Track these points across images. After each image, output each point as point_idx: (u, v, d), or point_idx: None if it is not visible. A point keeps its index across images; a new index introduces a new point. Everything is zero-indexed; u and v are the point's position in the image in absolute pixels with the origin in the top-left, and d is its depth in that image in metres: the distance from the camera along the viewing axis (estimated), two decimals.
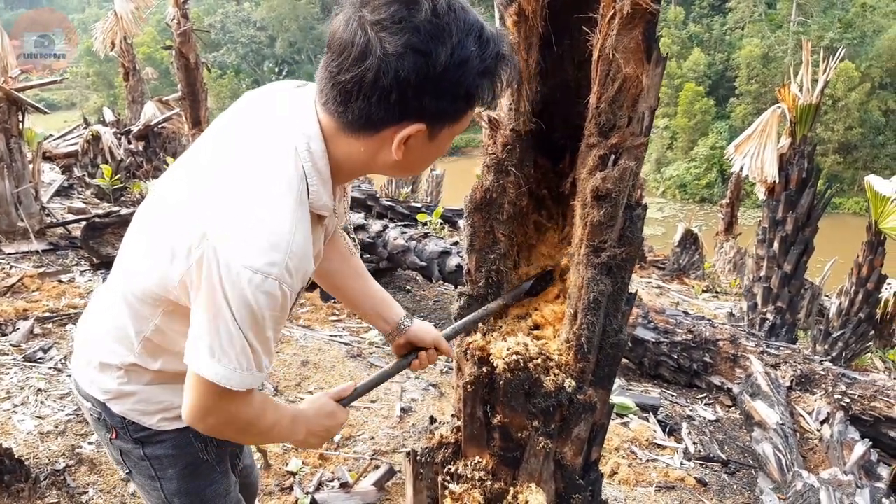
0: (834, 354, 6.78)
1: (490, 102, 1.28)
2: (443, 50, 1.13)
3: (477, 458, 1.79)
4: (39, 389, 3.50)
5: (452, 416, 1.91)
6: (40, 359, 3.82)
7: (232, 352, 1.23)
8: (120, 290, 1.43)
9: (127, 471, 1.60)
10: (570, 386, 1.66)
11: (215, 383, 1.25)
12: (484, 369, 1.72)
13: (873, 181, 6.59)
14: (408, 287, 6.83)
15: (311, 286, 5.70)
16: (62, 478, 2.88)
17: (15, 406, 3.34)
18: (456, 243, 5.97)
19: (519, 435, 1.72)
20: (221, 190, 1.25)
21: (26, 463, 2.84)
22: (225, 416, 1.32)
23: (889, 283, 7.42)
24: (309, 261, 1.28)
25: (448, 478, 1.82)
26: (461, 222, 8.03)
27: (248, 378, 1.27)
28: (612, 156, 1.59)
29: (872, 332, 7.27)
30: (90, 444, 3.13)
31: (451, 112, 1.24)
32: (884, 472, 3.39)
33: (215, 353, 1.23)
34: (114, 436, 1.53)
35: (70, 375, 3.65)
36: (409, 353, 1.77)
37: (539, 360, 1.70)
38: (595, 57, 1.57)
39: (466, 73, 1.17)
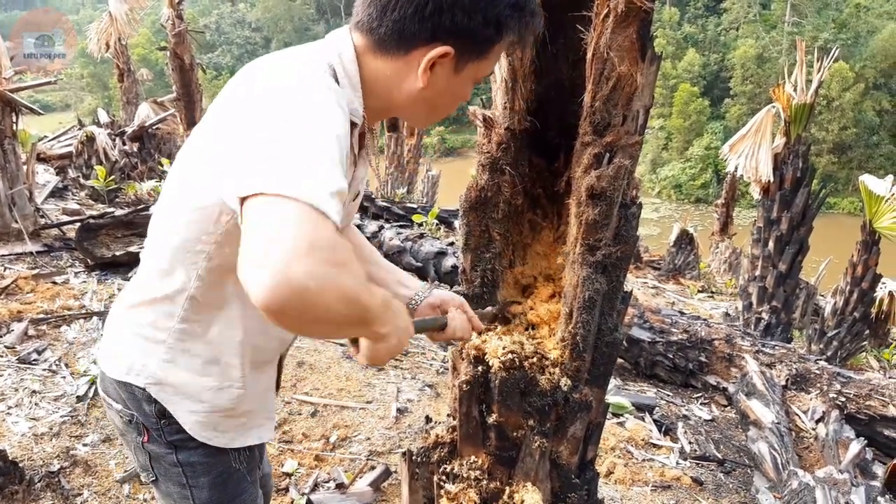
0: (829, 354, 6.80)
1: (518, 43, 1.31)
2: None
3: (473, 458, 1.79)
4: (34, 391, 3.48)
5: (448, 415, 1.91)
6: (34, 360, 3.80)
7: (301, 162, 0.99)
8: (148, 267, 1.37)
9: (153, 477, 1.50)
10: (565, 385, 1.66)
11: (293, 199, 0.94)
12: (479, 368, 1.72)
13: (868, 181, 6.62)
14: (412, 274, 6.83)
15: None
16: (56, 480, 2.87)
17: (9, 408, 3.33)
18: (452, 244, 5.98)
19: (514, 434, 1.72)
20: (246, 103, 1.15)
21: (20, 465, 2.83)
22: (322, 246, 0.93)
23: (884, 283, 7.45)
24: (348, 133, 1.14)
25: (444, 477, 1.82)
26: (457, 223, 8.03)
27: (312, 188, 0.96)
28: (607, 154, 1.59)
29: (867, 332, 7.29)
30: (85, 445, 3.12)
31: (480, 38, 1.25)
32: (879, 470, 3.40)
33: (278, 170, 0.97)
34: (145, 439, 1.44)
35: (64, 377, 3.66)
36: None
37: (534, 359, 1.70)
38: (589, 55, 1.57)
39: None
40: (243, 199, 0.99)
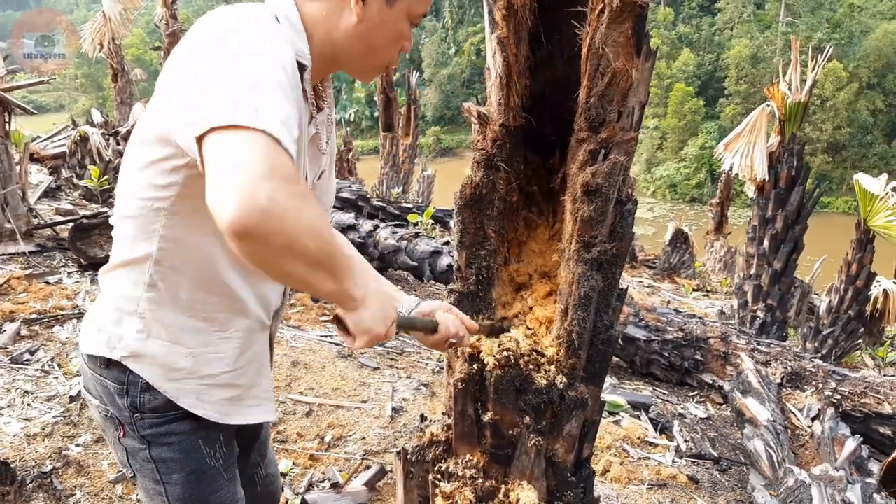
0: (824, 352, 6.82)
1: None
2: None
3: (468, 456, 1.78)
4: (26, 392, 3.46)
5: (443, 414, 1.90)
6: (27, 361, 3.78)
7: (251, 92, 1.02)
8: (115, 249, 1.38)
9: (132, 473, 1.51)
10: (561, 382, 1.65)
11: (254, 129, 0.98)
12: (475, 366, 1.71)
13: (862, 179, 6.63)
14: (399, 286, 6.81)
15: None
16: (49, 480, 2.85)
17: (1, 409, 3.30)
18: (447, 243, 5.97)
19: (510, 432, 1.71)
20: (183, 70, 1.18)
21: (12, 466, 2.81)
22: (282, 173, 0.97)
23: (878, 281, 7.46)
24: (294, 74, 1.18)
25: (439, 476, 1.81)
26: (452, 222, 8.02)
27: (264, 119, 0.99)
28: (602, 150, 1.58)
29: (862, 330, 7.31)
30: (77, 446, 3.10)
31: None
32: (874, 467, 3.40)
33: (228, 102, 1.00)
34: (121, 434, 1.45)
35: (56, 378, 3.64)
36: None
37: (530, 357, 1.69)
38: (584, 51, 1.56)
39: None
40: (199, 140, 1.01)
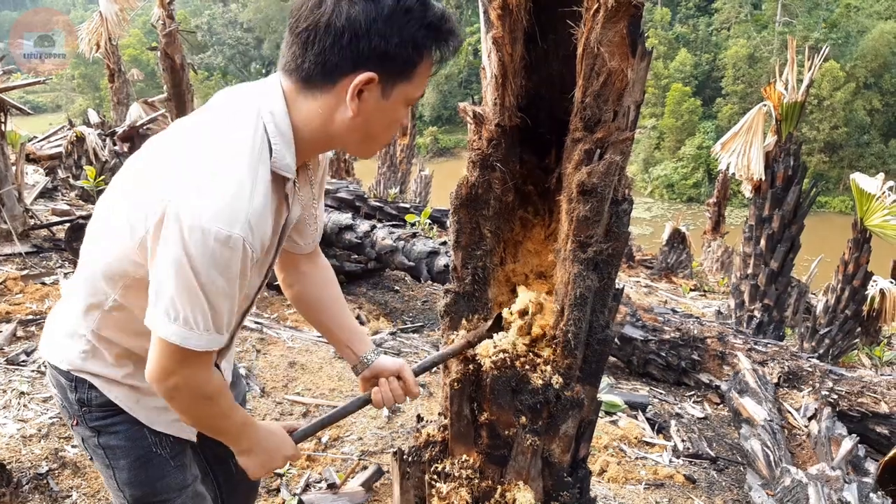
0: (821, 351, 6.82)
1: (438, 63, 1.39)
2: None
3: (464, 457, 1.78)
4: (22, 392, 3.45)
5: (439, 414, 1.90)
6: (23, 362, 3.77)
7: (190, 311, 1.26)
8: (81, 273, 1.50)
9: (90, 456, 1.66)
10: (557, 382, 1.65)
11: (175, 344, 1.29)
12: (471, 367, 1.71)
13: (859, 179, 6.64)
14: (396, 287, 6.81)
15: None
16: (45, 482, 2.84)
17: None
18: (444, 243, 5.96)
19: (506, 432, 1.71)
20: (180, 158, 1.31)
21: (8, 467, 2.80)
22: (185, 379, 1.36)
23: (875, 281, 7.47)
24: (266, 222, 1.32)
25: (435, 477, 1.81)
26: (448, 223, 8.00)
27: (205, 339, 1.30)
28: (598, 150, 1.58)
29: (859, 329, 7.32)
30: (74, 447, 3.09)
31: (400, 60, 1.32)
32: (871, 466, 3.40)
33: (171, 314, 1.27)
34: (74, 423, 1.59)
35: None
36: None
37: (526, 358, 1.68)
38: (580, 51, 1.56)
39: (412, 20, 1.29)
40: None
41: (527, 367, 1.67)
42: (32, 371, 3.68)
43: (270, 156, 1.33)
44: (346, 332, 1.81)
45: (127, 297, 1.44)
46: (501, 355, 1.65)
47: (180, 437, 1.65)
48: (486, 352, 1.68)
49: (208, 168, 1.26)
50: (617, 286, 1.75)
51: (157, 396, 1.53)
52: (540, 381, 1.65)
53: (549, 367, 1.66)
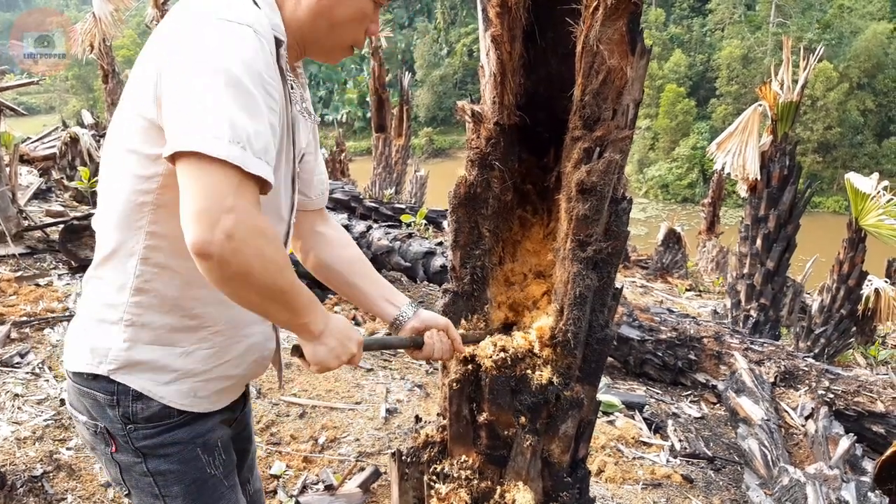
0: (816, 351, 6.83)
1: None
2: None
3: (463, 457, 1.76)
4: (16, 395, 3.43)
5: (438, 415, 1.89)
6: (17, 363, 3.74)
7: (223, 118, 1.07)
8: (102, 251, 1.34)
9: (126, 492, 1.44)
10: (556, 382, 1.64)
11: (215, 158, 1.05)
12: (470, 367, 1.70)
13: (854, 179, 6.65)
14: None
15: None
16: (40, 484, 2.82)
17: None
18: (440, 244, 5.95)
19: (505, 433, 1.70)
20: (164, 32, 1.21)
21: (2, 470, 2.78)
22: (243, 214, 1.07)
23: (870, 280, 7.49)
24: (270, 63, 1.19)
25: (434, 477, 1.80)
26: (445, 223, 8.00)
27: (236, 150, 1.06)
28: (597, 149, 1.57)
29: (854, 329, 7.33)
30: (68, 449, 3.06)
31: None
32: (868, 465, 3.40)
33: (202, 127, 1.06)
34: (114, 448, 1.38)
35: (47, 381, 3.60)
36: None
37: (526, 358, 1.67)
38: (579, 49, 1.55)
39: None
40: (172, 158, 1.09)
41: (526, 366, 1.66)
42: (27, 373, 3.65)
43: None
44: (378, 287, 1.67)
45: (156, 234, 1.27)
46: (501, 355, 1.64)
47: (230, 451, 1.50)
48: (485, 352, 1.67)
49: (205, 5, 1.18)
50: (616, 286, 1.74)
51: (217, 372, 1.39)
52: (539, 381, 1.64)
53: (548, 367, 1.65)
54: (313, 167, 1.60)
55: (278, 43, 1.27)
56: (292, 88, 1.38)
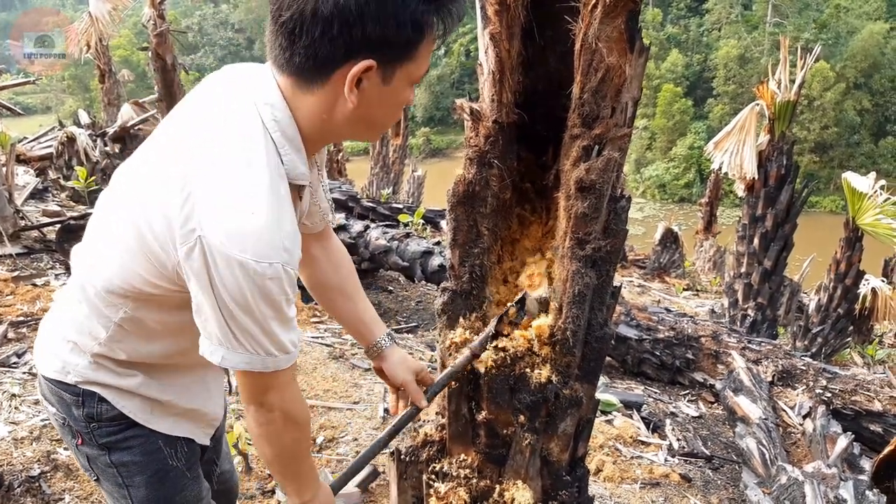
0: (813, 350, 6.85)
1: (441, 36, 1.26)
2: None
3: (462, 456, 1.76)
4: (13, 395, 3.42)
5: (437, 413, 1.88)
6: (14, 363, 3.73)
7: (249, 342, 1.23)
8: (80, 281, 1.39)
9: (95, 477, 1.53)
10: (555, 381, 1.64)
11: (247, 371, 1.27)
12: (468, 365, 1.69)
13: (851, 178, 6.66)
14: (390, 287, 6.79)
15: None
16: (37, 484, 2.81)
17: None
18: (438, 243, 5.95)
19: (504, 431, 1.69)
20: (194, 174, 1.19)
21: (0, 470, 2.77)
22: (277, 401, 1.34)
23: (867, 279, 7.51)
24: (298, 237, 1.25)
25: (433, 477, 1.79)
26: (443, 223, 8.00)
27: (271, 361, 1.26)
28: (596, 147, 1.57)
29: (851, 328, 7.35)
30: (65, 449, 3.05)
31: (399, 43, 1.20)
32: (866, 464, 3.41)
33: (230, 344, 1.23)
34: (79, 441, 1.46)
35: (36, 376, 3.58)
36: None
37: (525, 357, 1.67)
38: (578, 46, 1.55)
39: None
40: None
41: (525, 365, 1.65)
42: (23, 373, 3.65)
43: (283, 166, 1.26)
44: (362, 313, 1.77)
45: (139, 311, 1.36)
46: (501, 355, 1.64)
47: (193, 445, 1.58)
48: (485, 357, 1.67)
49: (231, 197, 1.17)
50: (614, 284, 1.74)
51: (174, 405, 1.49)
52: (538, 380, 1.63)
53: (547, 366, 1.65)
54: (315, 205, 1.61)
55: (300, 187, 1.35)
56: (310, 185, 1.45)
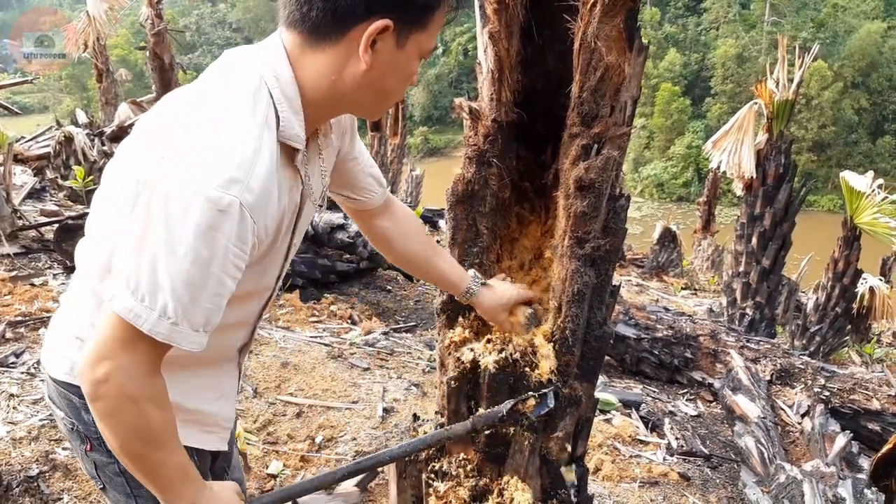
0: (812, 349, 6.86)
1: (454, 10, 1.27)
2: None
3: (462, 455, 1.76)
4: (12, 394, 3.41)
5: (436, 413, 1.88)
6: (12, 363, 3.72)
7: (157, 291, 1.09)
8: (83, 277, 1.36)
9: (101, 486, 1.46)
10: (555, 380, 1.64)
11: (123, 320, 1.10)
12: (468, 364, 1.70)
13: (849, 177, 6.67)
14: (388, 287, 6.79)
15: (287, 287, 5.54)
16: (36, 484, 2.81)
17: None
18: (437, 242, 5.95)
19: (504, 431, 1.69)
20: (168, 129, 1.16)
21: None
22: (117, 367, 1.12)
23: (864, 278, 7.51)
24: (271, 196, 1.16)
25: (432, 476, 1.79)
26: (442, 222, 7.99)
27: (164, 326, 1.10)
28: (595, 145, 1.57)
29: (849, 327, 7.36)
30: (64, 449, 3.05)
31: (418, 5, 1.20)
32: (864, 463, 3.41)
33: (133, 287, 1.09)
34: (88, 447, 1.40)
35: (43, 380, 3.58)
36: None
37: (524, 357, 1.67)
38: (576, 45, 1.55)
39: None
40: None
41: (524, 364, 1.66)
42: (22, 373, 3.64)
43: (277, 125, 1.19)
44: (443, 273, 1.73)
45: None
46: (502, 355, 1.64)
47: (203, 455, 1.50)
48: (486, 350, 1.67)
49: (206, 132, 1.12)
50: (613, 283, 1.74)
51: (182, 406, 1.38)
52: (538, 379, 1.63)
53: (546, 364, 1.65)
54: (358, 171, 1.58)
55: (294, 150, 1.26)
56: (309, 179, 1.36)
